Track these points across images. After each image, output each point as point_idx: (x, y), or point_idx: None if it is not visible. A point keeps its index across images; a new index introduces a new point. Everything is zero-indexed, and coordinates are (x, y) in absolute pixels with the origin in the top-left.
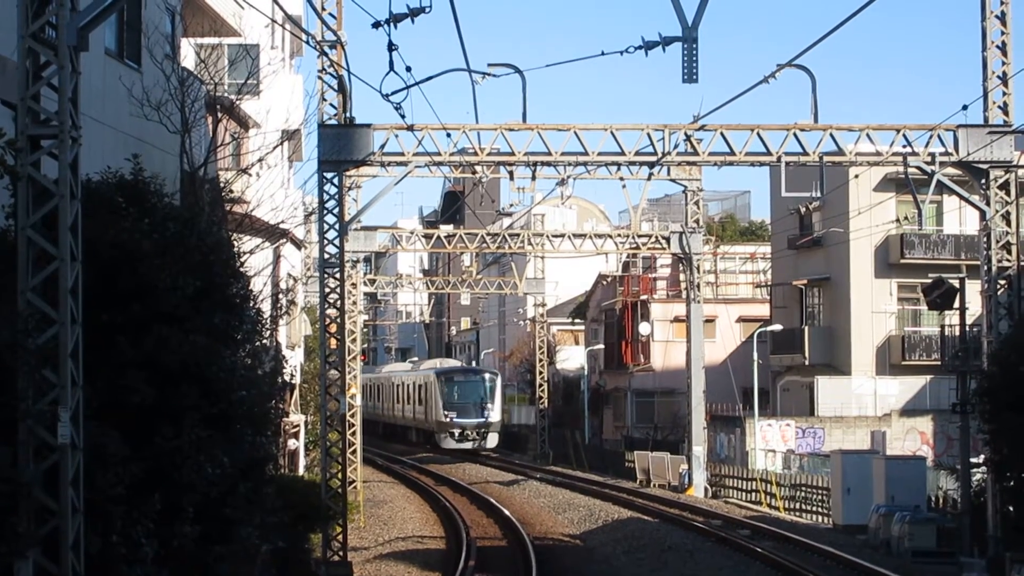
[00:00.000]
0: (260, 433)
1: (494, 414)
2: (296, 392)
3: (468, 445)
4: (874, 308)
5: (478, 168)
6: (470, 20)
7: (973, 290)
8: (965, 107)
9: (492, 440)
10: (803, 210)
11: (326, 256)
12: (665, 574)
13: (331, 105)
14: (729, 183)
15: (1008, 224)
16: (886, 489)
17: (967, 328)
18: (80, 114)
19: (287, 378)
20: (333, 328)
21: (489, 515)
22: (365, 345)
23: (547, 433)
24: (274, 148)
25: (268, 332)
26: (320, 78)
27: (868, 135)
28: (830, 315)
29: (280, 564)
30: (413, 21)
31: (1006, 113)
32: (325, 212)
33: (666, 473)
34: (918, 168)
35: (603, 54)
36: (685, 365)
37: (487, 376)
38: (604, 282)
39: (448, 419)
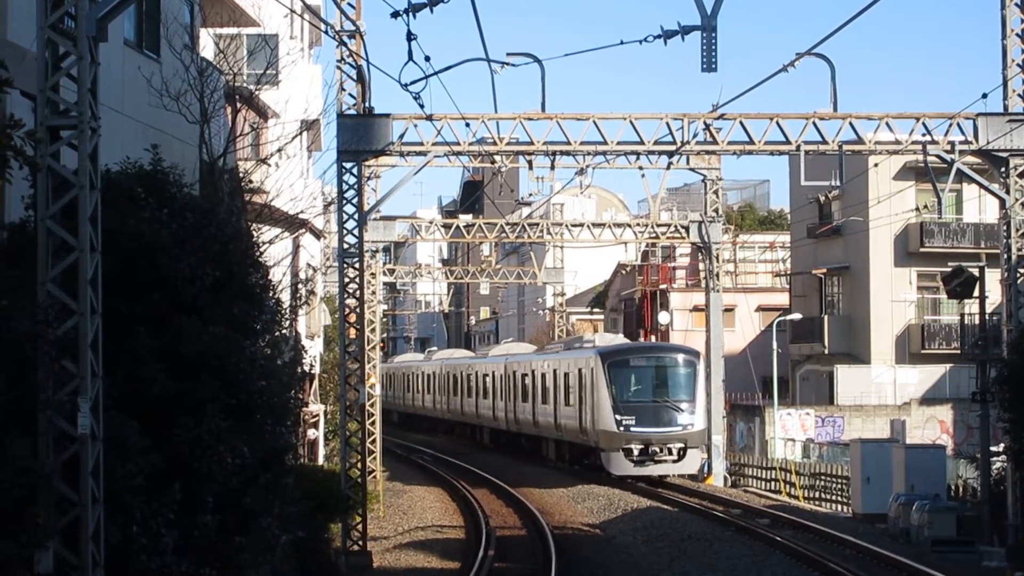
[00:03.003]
0: (280, 423)
1: (696, 419)
2: (316, 382)
3: (657, 469)
4: (893, 297)
5: (497, 158)
6: (489, 9)
7: (993, 278)
8: (985, 95)
9: (693, 461)
10: (822, 199)
11: (345, 246)
12: (685, 563)
13: (350, 95)
14: (748, 172)
15: None
16: (906, 478)
17: (987, 316)
18: (99, 104)
19: (307, 368)
20: (352, 318)
21: (508, 504)
22: (385, 335)
23: None
24: (293, 138)
25: (287, 322)
26: (339, 68)
27: (887, 124)
28: (849, 304)
29: (300, 554)
30: (432, 10)
31: None
32: (344, 202)
33: None
34: (938, 157)
35: (622, 43)
36: (704, 354)
37: (682, 358)
38: (623, 271)
39: (623, 428)
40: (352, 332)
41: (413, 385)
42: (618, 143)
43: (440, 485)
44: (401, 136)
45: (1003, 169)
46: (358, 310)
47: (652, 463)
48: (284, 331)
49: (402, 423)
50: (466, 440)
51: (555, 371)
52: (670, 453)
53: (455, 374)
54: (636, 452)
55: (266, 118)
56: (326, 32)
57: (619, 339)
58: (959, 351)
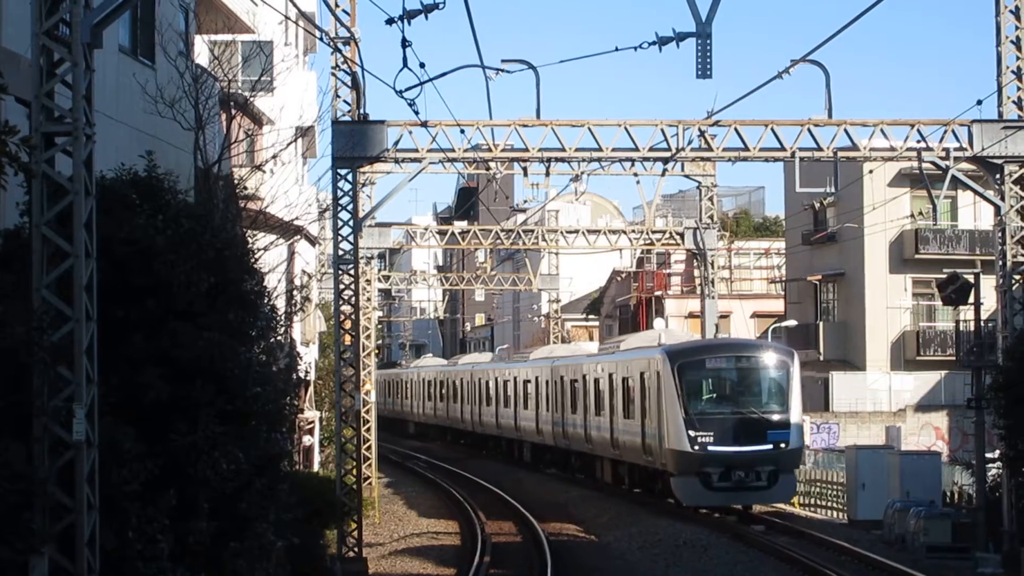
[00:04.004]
0: (275, 429)
1: (792, 435)
2: (311, 388)
3: (741, 499)
4: (889, 303)
5: (492, 164)
6: (484, 16)
7: (988, 285)
8: (979, 102)
9: (787, 488)
10: (817, 206)
11: (340, 252)
12: (680, 570)
13: (345, 102)
14: (743, 179)
15: (1023, 219)
16: (901, 484)
17: (982, 323)
18: (94, 111)
19: (302, 374)
20: (348, 324)
21: (504, 511)
22: (380, 341)
23: None
24: (288, 145)
25: (283, 328)
26: (334, 75)
27: (882, 130)
28: (845, 310)
29: (295, 560)
30: (427, 17)
31: (1020, 108)
32: (339, 208)
33: None
34: (932, 163)
35: (617, 50)
36: None
37: (773, 357)
38: (618, 278)
39: (698, 447)
40: (347, 339)
41: (435, 393)
42: (613, 150)
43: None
44: (396, 143)
45: (998, 176)
46: (353, 317)
47: (735, 491)
48: (279, 337)
49: (420, 435)
50: (502, 456)
51: (611, 375)
52: (758, 478)
53: (488, 380)
54: (715, 477)
55: (261, 125)
56: (321, 39)
57: (687, 335)
58: (954, 358)
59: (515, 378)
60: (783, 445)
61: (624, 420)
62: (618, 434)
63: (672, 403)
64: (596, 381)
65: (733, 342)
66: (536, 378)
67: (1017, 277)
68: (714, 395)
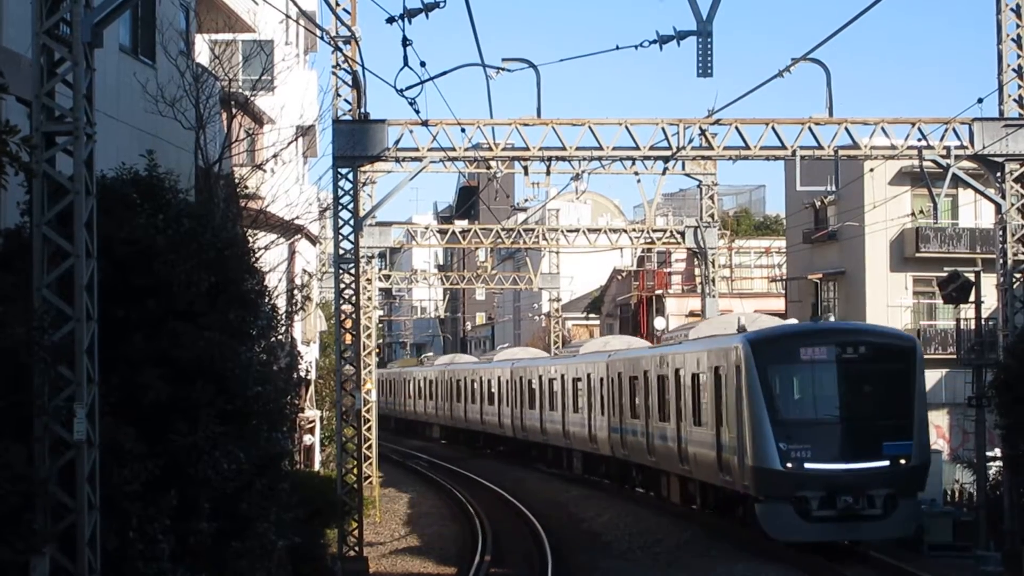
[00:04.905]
0: (276, 429)
1: (915, 447)
2: (311, 388)
3: (850, 531)
4: (889, 302)
5: (492, 163)
6: (484, 15)
7: (989, 283)
8: (980, 100)
9: (907, 517)
10: (818, 204)
11: (341, 252)
12: (681, 569)
13: (345, 101)
14: (744, 177)
15: (1023, 217)
16: None
17: (983, 322)
18: (95, 111)
19: (302, 373)
20: (348, 324)
21: (505, 510)
22: (381, 340)
23: None
24: (288, 144)
25: (283, 328)
26: (334, 74)
27: (883, 129)
28: (845, 309)
29: (296, 560)
30: (427, 16)
31: (1021, 106)
32: (340, 208)
33: None
34: (933, 162)
35: (617, 48)
36: None
37: (886, 348)
38: (619, 277)
39: (790, 464)
40: (348, 338)
41: (465, 394)
42: (614, 148)
43: None
44: (397, 142)
45: (999, 174)
46: (354, 316)
47: (840, 522)
48: (280, 337)
49: (448, 439)
50: (547, 465)
51: (678, 371)
52: (871, 505)
53: (530, 379)
54: (814, 504)
55: (261, 124)
56: (321, 38)
57: (770, 319)
58: (955, 356)
59: (563, 376)
60: (903, 461)
61: (694, 428)
62: (687, 445)
63: (756, 406)
64: (660, 379)
65: (836, 327)
66: (588, 376)
67: (1018, 275)
68: (812, 396)
